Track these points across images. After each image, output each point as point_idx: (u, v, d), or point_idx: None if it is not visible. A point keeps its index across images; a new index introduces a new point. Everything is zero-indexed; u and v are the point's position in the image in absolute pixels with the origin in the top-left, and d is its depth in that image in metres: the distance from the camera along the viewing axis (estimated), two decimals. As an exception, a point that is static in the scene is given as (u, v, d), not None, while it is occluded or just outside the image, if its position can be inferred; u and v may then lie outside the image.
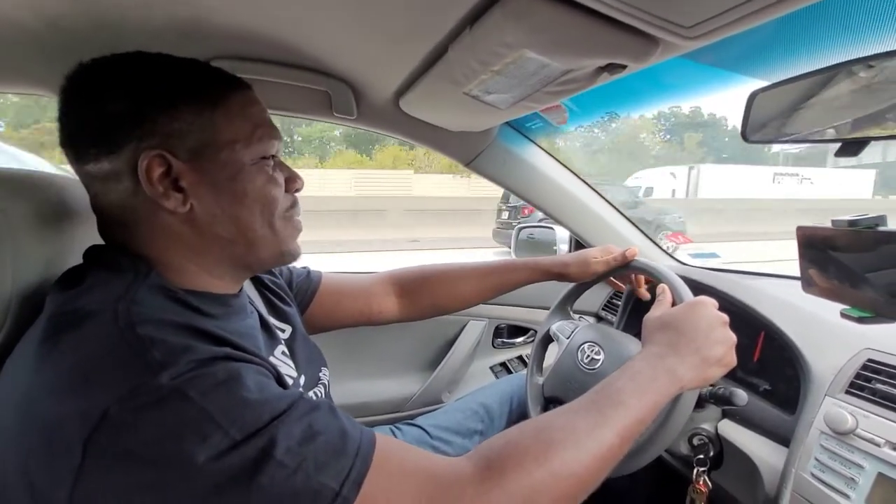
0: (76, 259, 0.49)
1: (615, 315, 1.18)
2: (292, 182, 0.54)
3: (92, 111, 0.45)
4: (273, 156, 0.52)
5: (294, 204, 0.55)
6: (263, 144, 0.50)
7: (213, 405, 0.35)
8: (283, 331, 0.66)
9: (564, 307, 0.96)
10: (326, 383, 0.67)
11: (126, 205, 0.47)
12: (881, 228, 0.47)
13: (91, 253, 0.49)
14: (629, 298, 1.11)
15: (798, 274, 0.63)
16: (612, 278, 0.91)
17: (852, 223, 0.49)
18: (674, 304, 0.67)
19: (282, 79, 0.80)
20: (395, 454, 0.42)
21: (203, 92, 0.48)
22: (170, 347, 0.37)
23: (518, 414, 0.98)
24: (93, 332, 0.38)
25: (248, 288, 0.65)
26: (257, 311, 0.60)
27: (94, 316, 0.39)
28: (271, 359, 0.57)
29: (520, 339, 1.40)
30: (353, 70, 0.80)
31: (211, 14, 0.63)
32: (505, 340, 1.39)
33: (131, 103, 0.45)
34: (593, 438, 0.46)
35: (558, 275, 0.89)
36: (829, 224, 0.53)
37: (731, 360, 0.59)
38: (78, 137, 0.47)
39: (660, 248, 1.21)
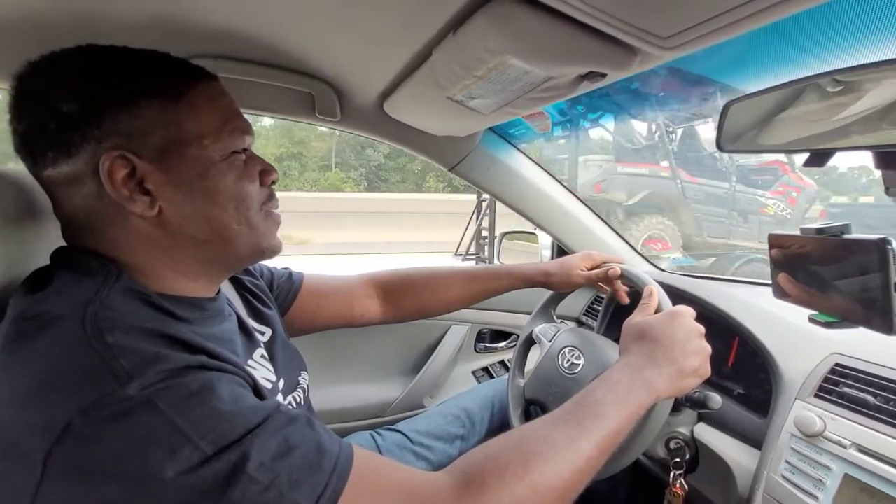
0: (42, 261, 0.47)
1: (596, 320, 1.19)
2: (267, 175, 0.53)
3: (44, 112, 0.43)
4: (245, 149, 0.50)
5: (271, 197, 0.54)
6: (234, 138, 0.48)
7: (183, 417, 0.34)
8: (262, 334, 0.65)
9: (548, 310, 0.96)
10: (306, 388, 0.66)
11: (91, 209, 0.44)
12: (846, 236, 0.49)
13: (58, 255, 0.47)
14: (609, 304, 1.13)
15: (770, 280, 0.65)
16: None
17: (820, 231, 0.50)
18: (656, 310, 0.68)
19: (264, 79, 0.79)
20: (373, 470, 0.41)
21: (164, 85, 0.45)
22: (139, 356, 0.36)
23: (499, 418, 0.98)
24: (58, 338, 0.37)
25: (228, 290, 0.63)
26: (236, 314, 0.59)
27: (60, 321, 0.38)
28: (249, 362, 0.56)
29: (502, 344, 1.40)
30: (337, 72, 0.79)
31: (192, 11, 0.62)
32: (487, 345, 1.39)
33: (86, 101, 0.42)
34: (572, 451, 0.46)
35: (541, 283, 0.90)
36: (798, 232, 0.54)
37: (706, 371, 0.60)
38: (32, 141, 0.44)
39: (640, 254, 1.23)
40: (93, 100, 0.43)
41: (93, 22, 0.62)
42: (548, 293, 0.96)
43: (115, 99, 0.43)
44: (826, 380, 0.64)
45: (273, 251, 0.54)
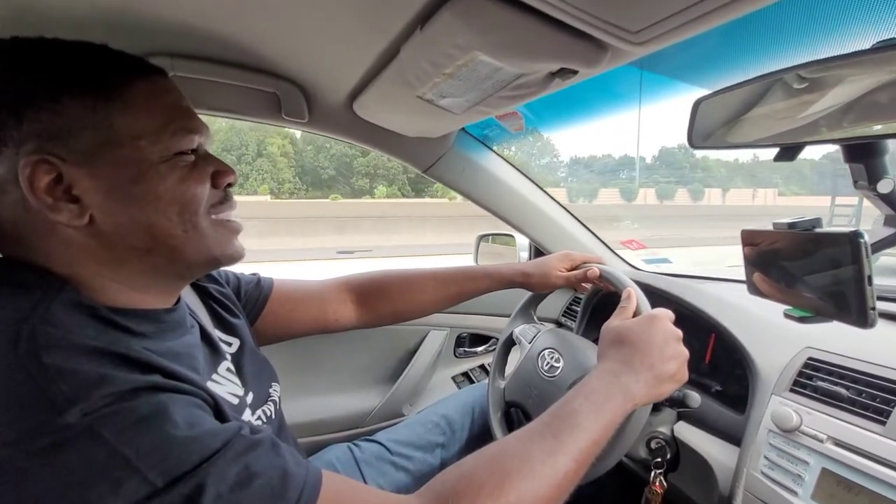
0: None
1: (574, 321, 1.19)
2: (222, 176, 0.49)
3: None
4: (194, 150, 0.47)
5: (224, 200, 0.50)
6: (178, 139, 0.45)
7: (130, 446, 0.31)
8: (229, 345, 0.61)
9: (528, 311, 0.96)
10: (277, 400, 0.63)
11: (18, 219, 0.40)
12: (818, 230, 0.49)
13: None
14: (588, 305, 1.13)
15: (744, 277, 0.65)
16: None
17: (792, 225, 0.50)
18: (635, 313, 0.67)
19: (226, 79, 0.76)
20: (342, 495, 0.39)
21: (94, 81, 0.41)
22: (81, 379, 0.33)
23: (480, 424, 0.96)
24: None
25: (191, 299, 0.60)
26: (199, 325, 0.55)
27: None
28: (214, 376, 0.53)
29: (481, 348, 1.39)
30: (303, 71, 0.77)
31: (146, 6, 0.58)
32: (467, 349, 1.38)
33: (2, 100, 0.38)
34: (549, 466, 0.45)
35: (518, 284, 0.89)
36: (770, 227, 0.54)
37: (683, 376, 0.59)
38: None
39: (615, 254, 1.23)
40: (9, 98, 0.38)
41: (34, 16, 0.58)
42: (527, 294, 0.95)
43: (34, 96, 0.39)
44: (800, 374, 0.65)
45: (230, 258, 0.50)
